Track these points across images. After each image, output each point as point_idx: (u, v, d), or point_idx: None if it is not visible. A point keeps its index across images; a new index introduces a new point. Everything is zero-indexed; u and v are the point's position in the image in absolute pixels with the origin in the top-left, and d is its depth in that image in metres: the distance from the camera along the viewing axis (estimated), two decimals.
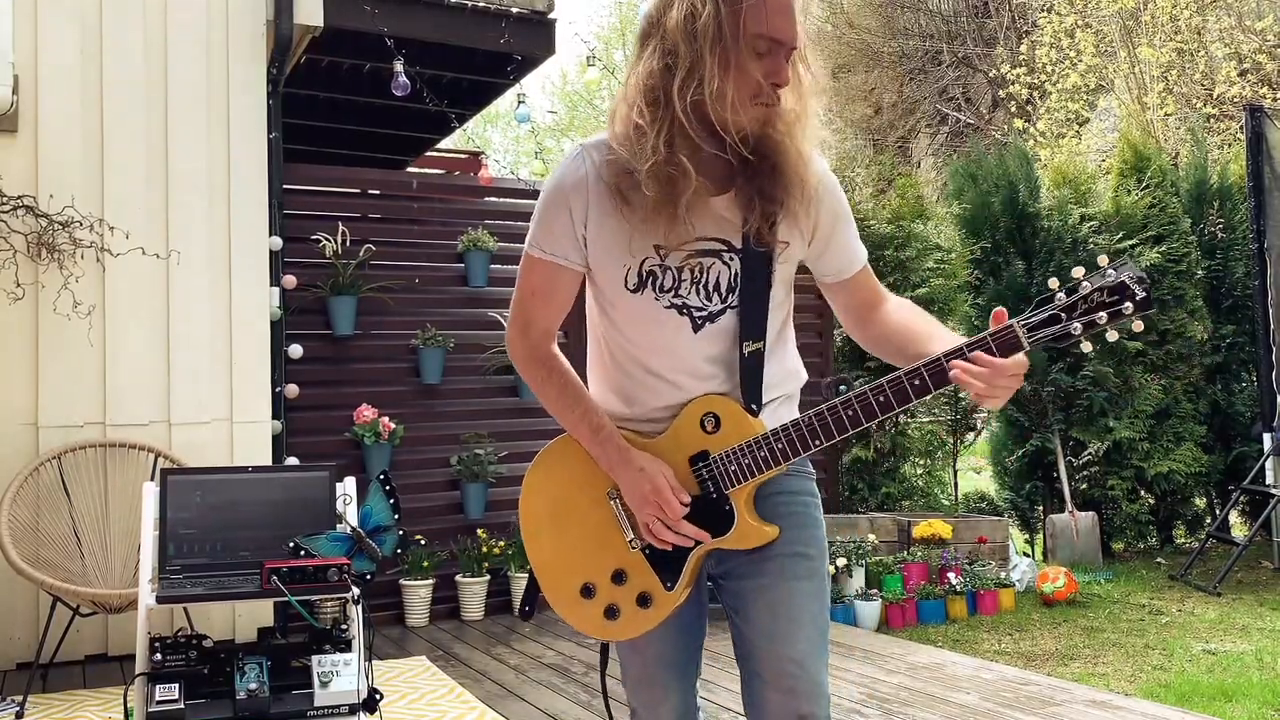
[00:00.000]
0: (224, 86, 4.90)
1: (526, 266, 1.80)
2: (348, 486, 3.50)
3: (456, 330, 5.67)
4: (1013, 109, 15.73)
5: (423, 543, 5.35)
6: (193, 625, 4.09)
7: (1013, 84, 14.75)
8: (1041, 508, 7.77)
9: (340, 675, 3.12)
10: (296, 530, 3.18)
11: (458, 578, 5.48)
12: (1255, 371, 7.70)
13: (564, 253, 1.75)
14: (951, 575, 5.72)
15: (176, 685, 2.98)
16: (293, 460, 4.92)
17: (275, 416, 4.97)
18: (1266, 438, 6.98)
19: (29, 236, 4.43)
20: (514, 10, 5.62)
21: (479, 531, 5.52)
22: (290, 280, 5.12)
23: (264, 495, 3.38)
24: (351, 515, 3.39)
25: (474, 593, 5.46)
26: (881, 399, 1.64)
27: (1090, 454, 7.50)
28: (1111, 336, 1.56)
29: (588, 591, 1.80)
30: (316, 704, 3.07)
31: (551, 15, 5.79)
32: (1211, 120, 13.01)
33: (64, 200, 4.51)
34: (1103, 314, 1.54)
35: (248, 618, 4.80)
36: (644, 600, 1.77)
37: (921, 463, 7.34)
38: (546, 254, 1.76)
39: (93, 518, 4.42)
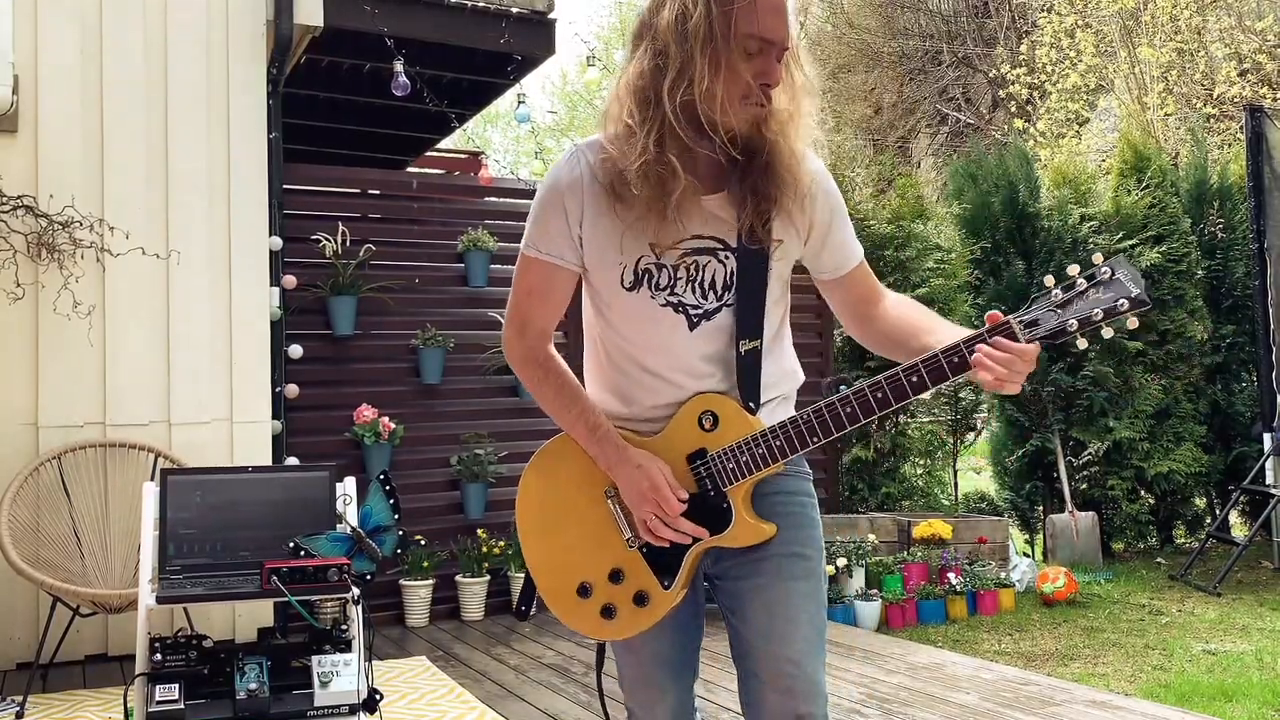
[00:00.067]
0: (224, 86, 4.90)
1: (523, 267, 1.80)
2: (348, 486, 3.50)
3: (456, 330, 5.67)
4: (1013, 109, 15.73)
5: (423, 543, 5.35)
6: (193, 625, 4.09)
7: (1013, 84, 14.75)
8: (1041, 508, 7.77)
9: (340, 675, 3.12)
10: (296, 530, 3.18)
11: (458, 578, 5.48)
12: (1255, 371, 7.70)
13: (560, 253, 1.76)
14: (951, 575, 5.72)
15: (176, 685, 2.98)
16: (293, 460, 4.92)
17: (275, 416, 4.97)
18: (1266, 438, 6.98)
19: (29, 236, 4.43)
20: (514, 10, 5.62)
21: (479, 531, 5.52)
22: (290, 280, 5.12)
23: (264, 495, 3.38)
24: (351, 515, 3.39)
25: (474, 593, 5.46)
26: (879, 396, 1.64)
27: (1090, 454, 7.50)
28: (1107, 334, 1.56)
29: (584, 591, 1.80)
30: (316, 704, 3.07)
31: (551, 15, 5.79)
32: (1211, 120, 13.01)
33: (64, 200, 4.51)
34: (1098, 311, 1.54)
35: (248, 618, 4.80)
36: (641, 599, 1.77)
37: (921, 463, 7.34)
38: (542, 254, 1.77)
39: (93, 518, 4.42)
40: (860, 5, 19.31)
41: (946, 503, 7.36)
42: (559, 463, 1.84)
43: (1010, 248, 7.86)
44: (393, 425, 5.31)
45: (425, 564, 5.34)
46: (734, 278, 1.74)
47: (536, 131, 10.52)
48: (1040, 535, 7.68)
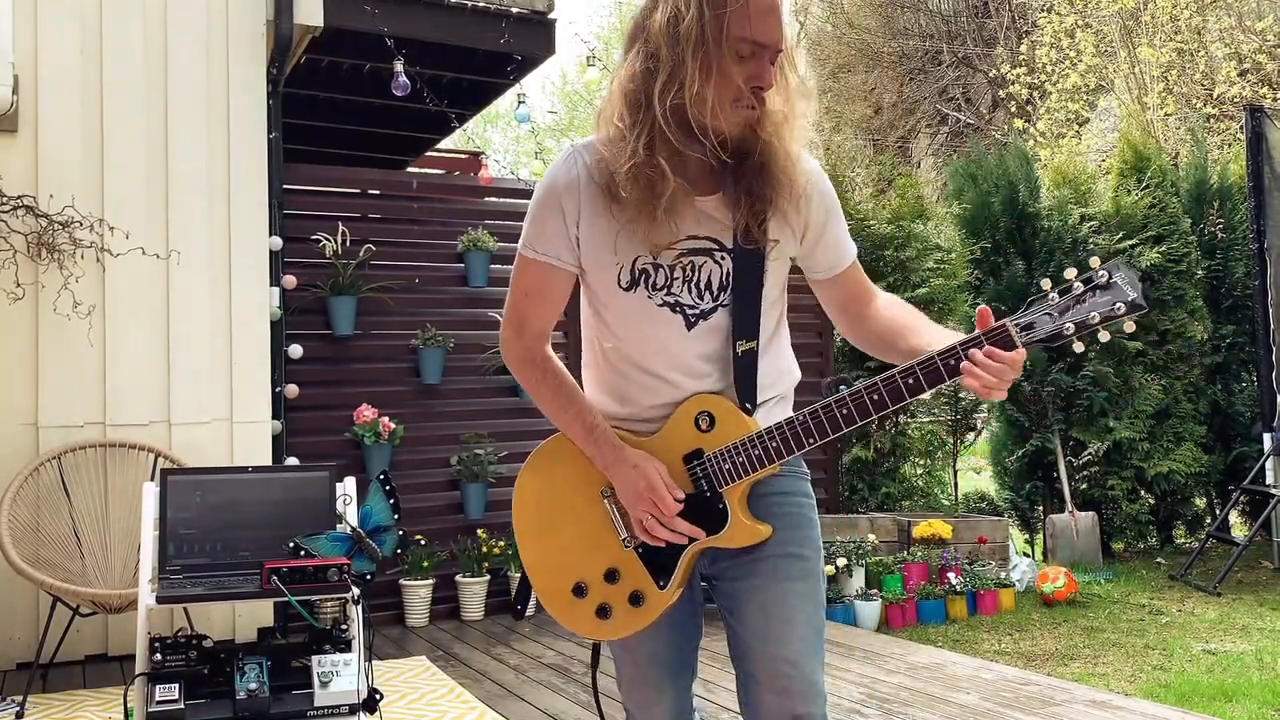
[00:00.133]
0: (224, 86, 4.90)
1: (520, 267, 1.80)
2: (348, 486, 3.50)
3: (456, 330, 5.67)
4: (1013, 109, 15.73)
5: (423, 543, 5.35)
6: (193, 625, 4.09)
7: (1013, 84, 14.75)
8: (1041, 508, 7.77)
9: (340, 675, 3.12)
10: (296, 530, 3.19)
11: (458, 578, 5.48)
12: (1255, 371, 7.70)
13: (557, 253, 1.76)
14: (951, 575, 5.72)
15: (176, 685, 2.98)
16: (293, 460, 4.93)
17: (275, 416, 4.97)
18: (1266, 438, 6.98)
19: (29, 236, 4.43)
20: (514, 10, 5.62)
21: (479, 531, 5.53)
22: (290, 280, 5.12)
23: (264, 495, 3.38)
24: (351, 515, 3.39)
25: (474, 593, 5.46)
26: (875, 397, 1.64)
27: (1090, 454, 7.50)
28: (1104, 337, 1.56)
29: (580, 591, 1.80)
30: (316, 704, 3.07)
31: (551, 15, 5.79)
32: (1211, 120, 13.01)
33: (64, 200, 4.52)
34: (1095, 315, 1.55)
35: (248, 618, 4.80)
36: (636, 599, 1.77)
37: (921, 463, 7.34)
38: (539, 255, 1.77)
39: (93, 518, 4.42)
40: (860, 5, 19.30)
41: (946, 503, 7.36)
42: (555, 463, 1.85)
43: (1010, 248, 7.86)
44: (393, 425, 5.32)
45: (425, 564, 5.34)
46: (730, 278, 1.74)
47: (536, 131, 10.53)
48: (1040, 535, 7.68)
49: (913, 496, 7.14)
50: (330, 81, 6.38)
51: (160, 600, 3.05)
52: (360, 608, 3.17)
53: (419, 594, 5.34)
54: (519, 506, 1.88)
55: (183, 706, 2.95)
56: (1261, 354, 7.18)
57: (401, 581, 5.34)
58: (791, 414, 1.71)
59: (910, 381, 1.63)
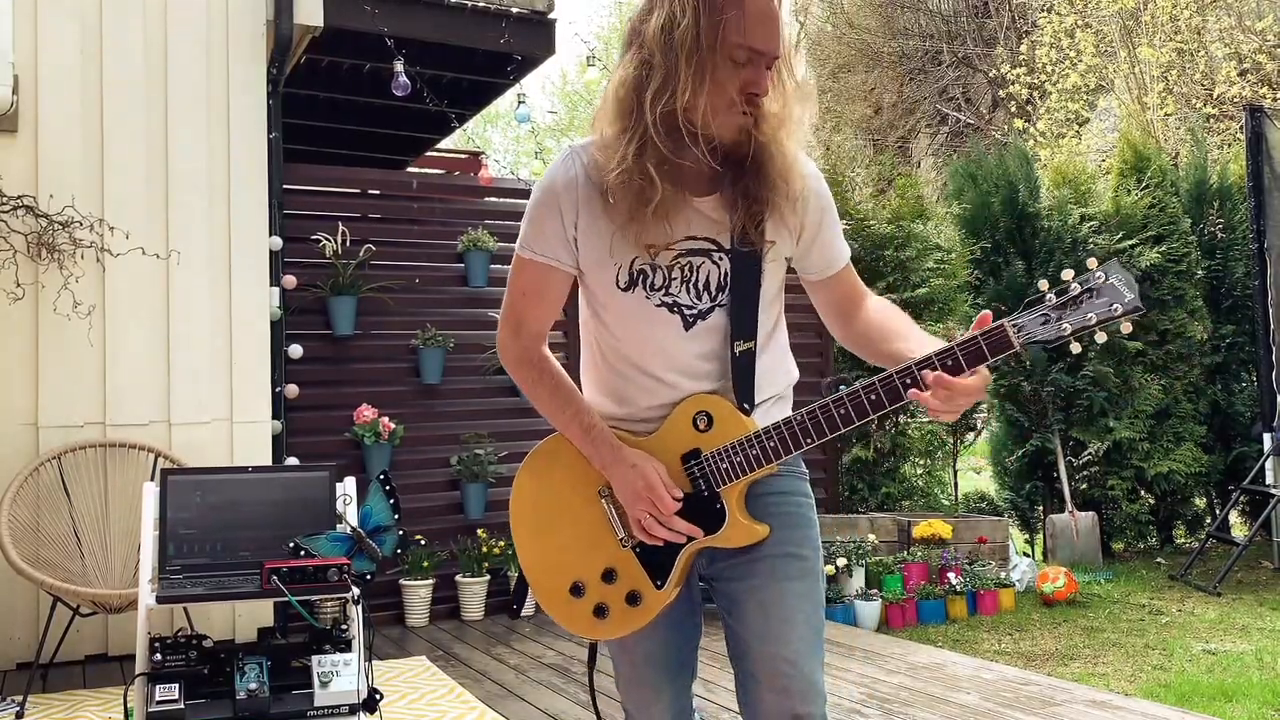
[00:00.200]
0: (224, 86, 4.90)
1: (517, 268, 1.80)
2: (348, 486, 3.50)
3: (456, 330, 5.67)
4: (1013, 109, 15.73)
5: (423, 543, 5.35)
6: (193, 625, 4.09)
7: (1013, 84, 14.75)
8: (1041, 508, 7.77)
9: (340, 675, 3.12)
10: (296, 530, 3.19)
11: (458, 578, 5.48)
12: (1255, 371, 7.70)
13: (554, 254, 1.76)
14: (951, 575, 5.72)
15: (176, 685, 2.98)
16: (293, 460, 4.93)
17: (275, 416, 4.97)
18: (1266, 438, 6.98)
19: (29, 236, 4.43)
20: (514, 10, 5.63)
21: (479, 531, 5.53)
22: (290, 280, 5.12)
23: (264, 495, 3.38)
24: (351, 515, 3.39)
25: (474, 593, 5.46)
26: (873, 397, 1.64)
27: (1090, 454, 7.51)
28: (1100, 338, 1.57)
29: (577, 590, 1.81)
30: (316, 704, 3.07)
31: (551, 15, 5.79)
32: (1211, 120, 13.01)
33: (64, 200, 4.52)
34: (1092, 317, 1.55)
35: (248, 618, 4.80)
36: (633, 599, 1.77)
37: (921, 463, 7.34)
38: (537, 255, 1.77)
39: (93, 518, 4.42)
40: (860, 5, 19.31)
41: (946, 503, 7.35)
42: (553, 463, 1.85)
43: (1010, 248, 7.86)
44: (393, 425, 5.32)
45: (425, 564, 5.34)
46: (728, 278, 1.74)
47: (536, 131, 10.53)
48: (1040, 535, 7.68)
49: (913, 496, 7.14)
50: (330, 81, 6.38)
51: (160, 600, 3.05)
52: (360, 608, 3.18)
53: (419, 594, 5.34)
54: (517, 506, 1.88)
55: (183, 706, 2.95)
56: (1261, 354, 7.18)
57: (401, 581, 5.35)
58: (790, 414, 1.72)
59: (908, 381, 1.63)
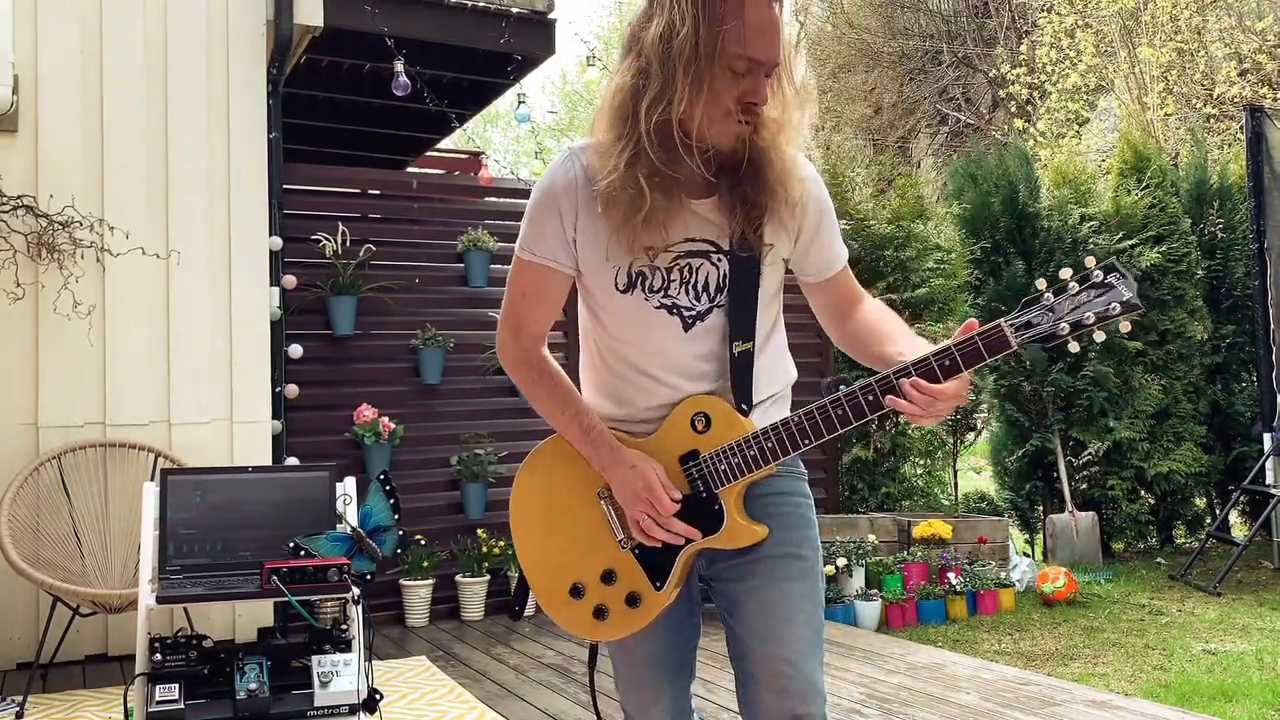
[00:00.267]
0: (224, 86, 4.90)
1: (516, 269, 1.80)
2: (348, 486, 3.50)
3: (456, 330, 5.67)
4: (1013, 109, 15.73)
5: (423, 543, 5.35)
6: (193, 625, 4.09)
7: (1013, 84, 14.75)
8: (1041, 508, 7.77)
9: (340, 675, 3.12)
10: (296, 530, 3.19)
11: (458, 578, 5.48)
12: (1255, 371, 7.70)
13: (554, 255, 1.76)
14: (951, 575, 5.72)
15: (176, 685, 2.98)
16: (293, 460, 4.93)
17: (275, 416, 4.97)
18: (1266, 438, 6.98)
19: (29, 236, 4.43)
20: (514, 10, 5.63)
21: (479, 531, 5.53)
22: (290, 280, 5.12)
23: (264, 495, 3.38)
24: (351, 515, 3.39)
25: (474, 593, 5.46)
26: (870, 398, 1.64)
27: (1090, 454, 7.51)
28: (1099, 336, 1.57)
29: (577, 592, 1.81)
30: (316, 704, 3.07)
31: (551, 15, 5.79)
32: (1211, 120, 13.02)
33: (64, 200, 4.52)
34: (1090, 315, 1.55)
35: (248, 618, 4.81)
36: (633, 600, 1.77)
37: (921, 463, 7.34)
38: (537, 257, 1.77)
39: (93, 518, 4.42)
40: (860, 5, 19.31)
41: (946, 503, 7.35)
42: (552, 464, 1.85)
43: (1010, 248, 7.86)
44: (393, 425, 5.32)
45: (425, 564, 5.34)
46: (726, 279, 1.74)
47: (536, 131, 10.53)
48: (1040, 535, 7.68)
49: (913, 496, 7.14)
50: (330, 81, 6.38)
51: (160, 600, 3.05)
52: (360, 608, 3.18)
53: (419, 594, 5.34)
54: (516, 507, 1.88)
55: (183, 706, 2.95)
56: (1261, 354, 7.18)
57: (401, 581, 5.35)
58: (788, 415, 1.72)
59: (905, 382, 1.63)
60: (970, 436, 7.94)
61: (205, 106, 4.86)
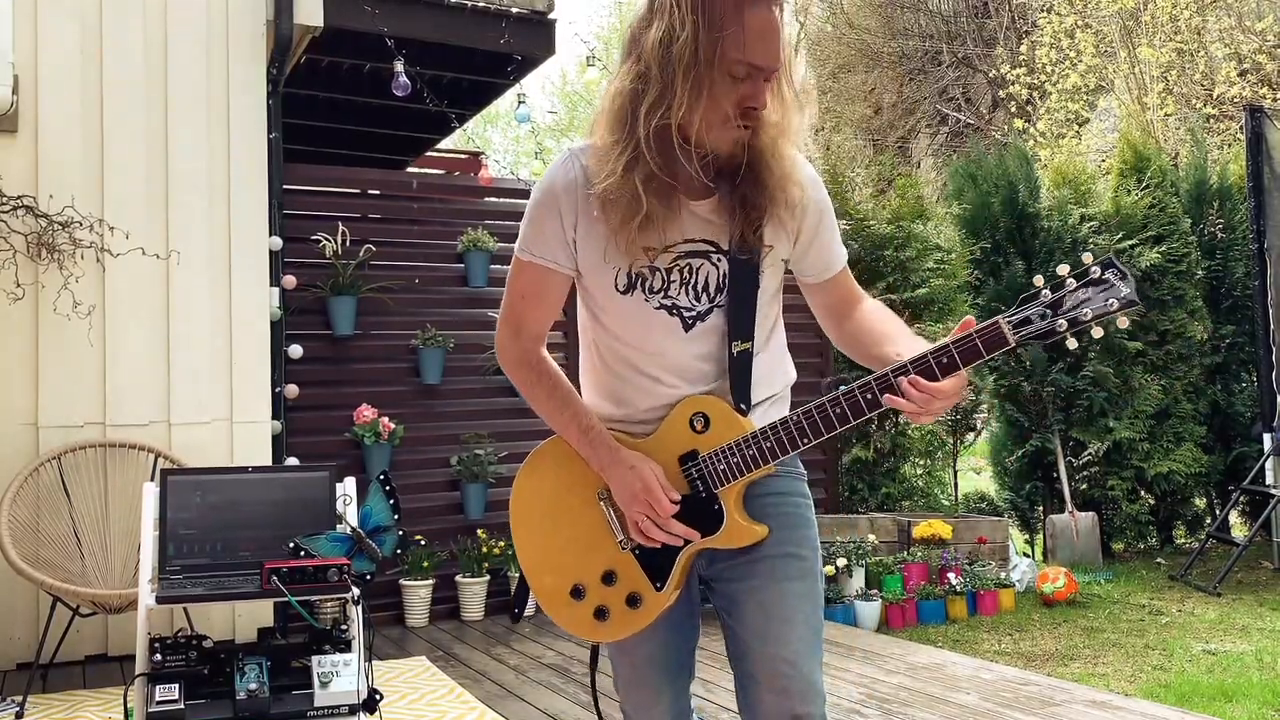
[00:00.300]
0: (224, 86, 4.90)
1: (516, 270, 1.80)
2: (348, 486, 3.51)
3: (456, 330, 5.67)
4: (1013, 109, 15.74)
5: (423, 543, 5.35)
6: (193, 625, 4.09)
7: (1013, 84, 14.75)
8: (1041, 508, 7.77)
9: (340, 675, 3.12)
10: (296, 530, 3.19)
11: (458, 578, 5.48)
12: (1255, 371, 7.70)
13: (553, 256, 1.76)
14: (951, 575, 5.72)
15: (176, 685, 2.99)
16: (293, 460, 4.93)
17: (275, 416, 4.97)
18: (1266, 438, 6.98)
19: (29, 236, 4.43)
20: (514, 10, 5.63)
21: (479, 531, 5.53)
22: (290, 280, 5.12)
23: (264, 495, 3.38)
24: (351, 515, 3.39)
25: (474, 593, 5.46)
26: (868, 397, 1.64)
27: (1090, 454, 7.50)
28: (1097, 333, 1.56)
29: (577, 593, 1.80)
30: (316, 704, 3.07)
31: (551, 15, 5.79)
32: (1211, 120, 13.02)
33: (64, 200, 4.52)
34: (1087, 311, 1.54)
35: (248, 618, 4.81)
36: (633, 601, 1.77)
37: (921, 463, 7.34)
38: (536, 258, 1.77)
39: (93, 518, 4.42)
40: (860, 5, 19.31)
41: (946, 503, 7.36)
42: (552, 465, 1.85)
43: (1010, 248, 7.86)
44: (393, 425, 5.32)
45: (425, 564, 5.34)
46: (726, 279, 1.74)
47: (536, 131, 10.53)
48: (1040, 535, 7.68)
49: (913, 496, 7.14)
50: (330, 81, 6.38)
51: (160, 600, 3.05)
52: (360, 608, 3.18)
53: (419, 594, 5.34)
54: (516, 508, 1.88)
55: (183, 706, 2.95)
56: (1261, 354, 7.18)
57: (401, 581, 5.35)
58: (786, 414, 1.72)
59: (903, 380, 1.63)
60: (970, 437, 7.94)
61: (205, 106, 4.86)
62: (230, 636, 4.73)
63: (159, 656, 3.02)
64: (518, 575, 5.41)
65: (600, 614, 1.79)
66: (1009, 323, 1.57)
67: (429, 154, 8.19)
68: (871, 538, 5.83)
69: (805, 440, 1.69)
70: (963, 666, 4.40)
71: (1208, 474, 7.83)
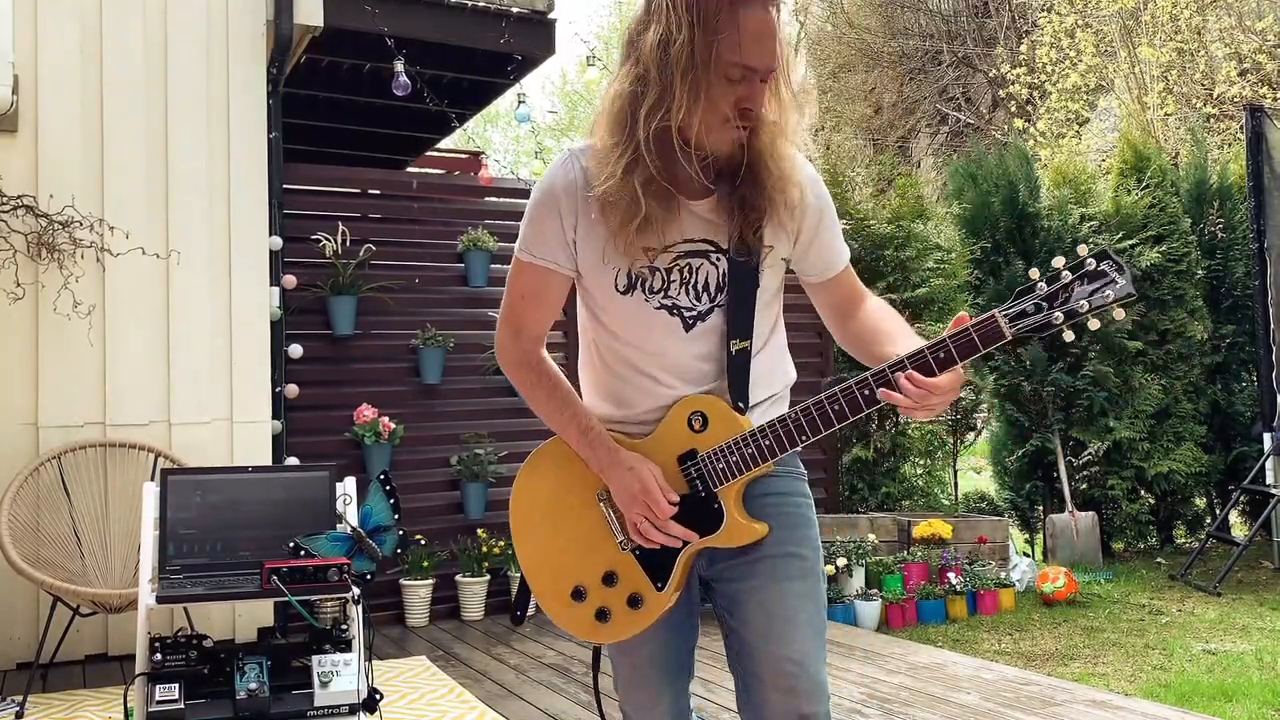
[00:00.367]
0: (224, 86, 4.90)
1: (516, 270, 1.80)
2: (348, 486, 3.51)
3: (456, 330, 5.67)
4: (1013, 109, 15.73)
5: (423, 543, 5.35)
6: (193, 625, 4.09)
7: (1013, 84, 14.75)
8: (1041, 508, 7.77)
9: (340, 675, 3.12)
10: (296, 530, 3.19)
11: (458, 578, 5.48)
12: (1255, 371, 7.70)
13: (553, 257, 1.76)
14: (951, 575, 5.72)
15: (176, 685, 2.99)
16: (293, 460, 4.93)
17: (275, 416, 4.97)
18: (1266, 438, 6.98)
19: (29, 236, 4.43)
20: (514, 10, 5.62)
21: (479, 531, 5.53)
22: (290, 280, 5.12)
23: (264, 495, 3.38)
24: (351, 515, 3.39)
25: (474, 593, 5.46)
26: (866, 392, 1.64)
27: (1090, 454, 7.50)
28: (1093, 325, 1.56)
29: (579, 594, 1.80)
30: (316, 704, 3.07)
31: (551, 15, 5.79)
32: (1211, 120, 13.02)
33: (64, 200, 4.52)
34: (1083, 303, 1.54)
35: (248, 618, 4.80)
36: (634, 602, 1.77)
37: (921, 463, 7.34)
38: (536, 258, 1.77)
39: (93, 518, 4.42)
40: (860, 5, 19.31)
41: (946, 503, 7.35)
42: (552, 466, 1.85)
43: (1010, 248, 7.86)
44: (393, 425, 5.32)
45: (425, 564, 5.34)
46: (726, 279, 1.74)
47: (536, 131, 10.53)
48: (1040, 535, 7.68)
49: (913, 496, 7.14)
50: (330, 81, 6.38)
51: (160, 600, 3.05)
52: (360, 608, 3.18)
53: (419, 594, 5.34)
54: (516, 510, 1.88)
55: (183, 706, 2.95)
56: (1261, 354, 7.18)
57: (401, 581, 5.35)
58: (784, 412, 1.71)
59: (899, 376, 1.63)
60: (970, 436, 7.94)
61: (205, 106, 4.86)
62: (230, 636, 4.73)
63: (159, 656, 3.02)
64: (519, 577, 5.41)
65: (601, 615, 1.79)
66: (1005, 316, 1.57)
67: (429, 154, 8.19)
68: (871, 537, 5.83)
69: (804, 437, 1.69)
70: (963, 666, 4.40)
71: (1208, 474, 7.83)
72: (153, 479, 3.98)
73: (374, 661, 3.97)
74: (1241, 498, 7.32)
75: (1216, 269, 8.10)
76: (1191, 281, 7.81)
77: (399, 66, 5.34)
